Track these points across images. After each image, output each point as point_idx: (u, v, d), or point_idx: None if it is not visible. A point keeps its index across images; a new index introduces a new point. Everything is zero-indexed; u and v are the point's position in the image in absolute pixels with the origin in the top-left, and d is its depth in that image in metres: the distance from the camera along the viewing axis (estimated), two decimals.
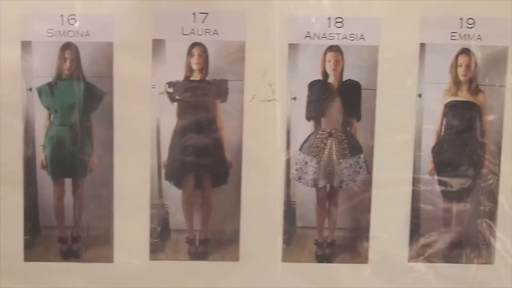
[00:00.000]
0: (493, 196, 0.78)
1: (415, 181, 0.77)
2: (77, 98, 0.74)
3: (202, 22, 0.74)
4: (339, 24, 0.75)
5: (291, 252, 0.77)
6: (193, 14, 0.74)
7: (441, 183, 0.77)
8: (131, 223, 0.75)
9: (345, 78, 0.76)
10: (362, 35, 0.75)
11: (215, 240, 0.77)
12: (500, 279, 0.78)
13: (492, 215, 0.78)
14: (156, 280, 0.76)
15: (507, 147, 0.77)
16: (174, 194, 0.76)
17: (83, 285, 0.75)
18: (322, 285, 0.77)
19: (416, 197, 0.77)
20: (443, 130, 0.77)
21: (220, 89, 0.75)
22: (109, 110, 0.74)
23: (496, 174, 0.77)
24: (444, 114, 0.77)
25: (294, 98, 0.75)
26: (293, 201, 0.77)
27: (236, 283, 0.77)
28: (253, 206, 0.76)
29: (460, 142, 0.77)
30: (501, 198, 0.78)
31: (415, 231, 0.77)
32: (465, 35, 0.76)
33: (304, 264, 0.77)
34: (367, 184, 0.77)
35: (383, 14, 0.75)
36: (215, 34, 0.74)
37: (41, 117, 0.75)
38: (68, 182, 0.75)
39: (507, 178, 0.77)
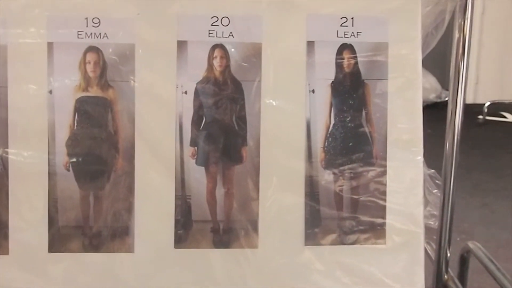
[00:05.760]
0: (130, 187, 0.81)
1: (51, 174, 0.80)
2: None
3: None
4: None
5: None
6: None
7: (75, 174, 0.81)
8: None
9: None
10: None
11: None
12: (140, 265, 0.81)
13: (129, 206, 0.81)
14: None
15: (139, 141, 0.81)
16: None
17: None
18: None
19: (52, 189, 0.80)
20: (75, 124, 0.81)
21: None
22: None
23: (131, 170, 0.81)
24: (76, 109, 0.81)
25: None
26: None
27: None
28: None
29: (93, 135, 0.81)
30: (137, 187, 0.81)
31: (53, 222, 0.80)
32: (91, 33, 0.80)
33: None
34: (4, 178, 0.80)
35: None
36: None
37: None
38: None
39: (141, 171, 0.81)
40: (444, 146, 0.88)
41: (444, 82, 3.69)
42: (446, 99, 0.89)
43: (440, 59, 1.86)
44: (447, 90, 0.87)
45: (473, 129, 3.51)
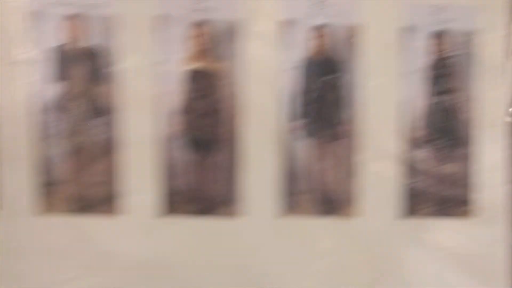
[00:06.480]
0: (238, 157, 0.84)
1: (162, 140, 0.83)
2: None
3: None
4: None
5: None
6: None
7: (186, 142, 0.83)
8: None
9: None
10: None
11: None
12: (246, 231, 0.84)
13: (237, 175, 0.83)
14: None
15: (245, 114, 0.84)
16: None
17: None
18: None
19: (163, 155, 0.82)
20: (183, 95, 0.83)
21: None
22: None
23: (239, 141, 0.83)
24: (183, 81, 0.83)
25: None
26: None
27: None
28: None
29: (201, 107, 0.83)
30: (245, 157, 0.84)
31: (163, 186, 0.82)
32: (200, 8, 0.83)
33: None
34: (115, 143, 0.82)
35: None
36: None
37: None
38: None
39: (248, 142, 0.83)
40: None
41: None
42: None
43: None
44: None
45: None
